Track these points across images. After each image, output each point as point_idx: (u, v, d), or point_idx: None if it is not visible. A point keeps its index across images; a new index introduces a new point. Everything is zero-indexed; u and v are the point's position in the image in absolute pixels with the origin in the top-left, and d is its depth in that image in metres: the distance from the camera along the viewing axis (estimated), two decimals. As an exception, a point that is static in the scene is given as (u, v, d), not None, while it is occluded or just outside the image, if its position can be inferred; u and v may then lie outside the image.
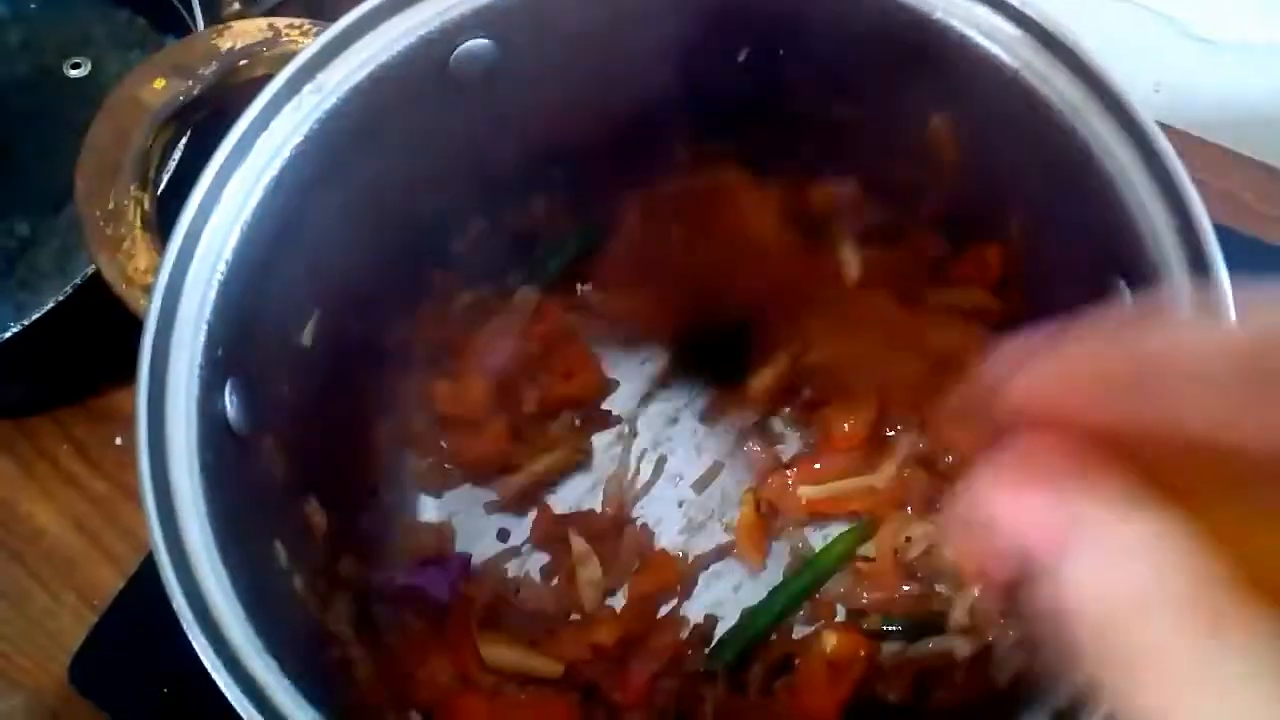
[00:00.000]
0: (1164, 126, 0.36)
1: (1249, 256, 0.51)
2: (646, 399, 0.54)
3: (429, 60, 0.40)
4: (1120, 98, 0.37)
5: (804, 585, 0.49)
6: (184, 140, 0.47)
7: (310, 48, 0.38)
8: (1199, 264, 0.35)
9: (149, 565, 0.51)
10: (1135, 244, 0.36)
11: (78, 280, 0.52)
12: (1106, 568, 0.18)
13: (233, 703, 0.31)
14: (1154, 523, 0.18)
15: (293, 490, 0.41)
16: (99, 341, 0.55)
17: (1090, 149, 0.37)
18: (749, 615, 0.49)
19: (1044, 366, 0.20)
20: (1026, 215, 0.43)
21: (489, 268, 0.51)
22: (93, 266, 0.53)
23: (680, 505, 0.53)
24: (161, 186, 0.48)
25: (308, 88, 0.38)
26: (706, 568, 0.51)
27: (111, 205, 0.39)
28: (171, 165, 0.48)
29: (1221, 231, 0.35)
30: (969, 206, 0.46)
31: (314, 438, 0.43)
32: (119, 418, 0.59)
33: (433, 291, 0.49)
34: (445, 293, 0.50)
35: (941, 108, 0.42)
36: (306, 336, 0.42)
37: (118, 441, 0.59)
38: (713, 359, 0.54)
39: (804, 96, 0.45)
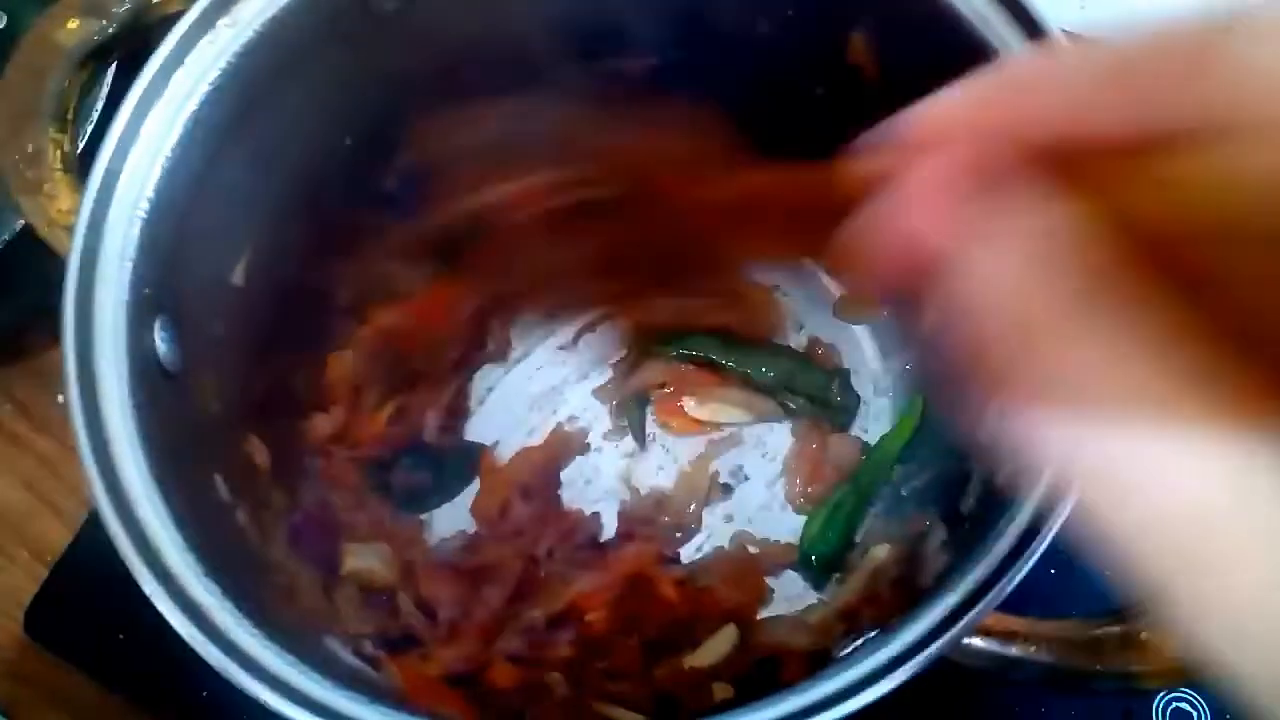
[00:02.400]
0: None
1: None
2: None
3: (346, -9, 0.40)
4: (1029, 12, 0.38)
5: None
6: (109, 81, 0.47)
7: (223, -20, 0.37)
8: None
9: (98, 516, 0.51)
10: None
11: (5, 236, 0.52)
12: (1008, 251, 0.18)
13: (173, 624, 0.31)
14: (1054, 212, 0.19)
15: (232, 428, 0.42)
16: (32, 302, 0.54)
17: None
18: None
19: (938, 103, 0.21)
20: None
21: (417, 205, 0.51)
22: (19, 224, 0.53)
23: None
24: (90, 129, 0.48)
25: (222, 21, 0.37)
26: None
27: (31, 148, 0.39)
28: (98, 107, 0.48)
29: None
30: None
31: (252, 377, 0.43)
32: (59, 377, 0.58)
33: (363, 230, 0.49)
34: (375, 231, 0.50)
35: (861, 23, 0.43)
36: (238, 276, 0.42)
37: (60, 399, 0.58)
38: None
39: (727, 18, 0.46)
